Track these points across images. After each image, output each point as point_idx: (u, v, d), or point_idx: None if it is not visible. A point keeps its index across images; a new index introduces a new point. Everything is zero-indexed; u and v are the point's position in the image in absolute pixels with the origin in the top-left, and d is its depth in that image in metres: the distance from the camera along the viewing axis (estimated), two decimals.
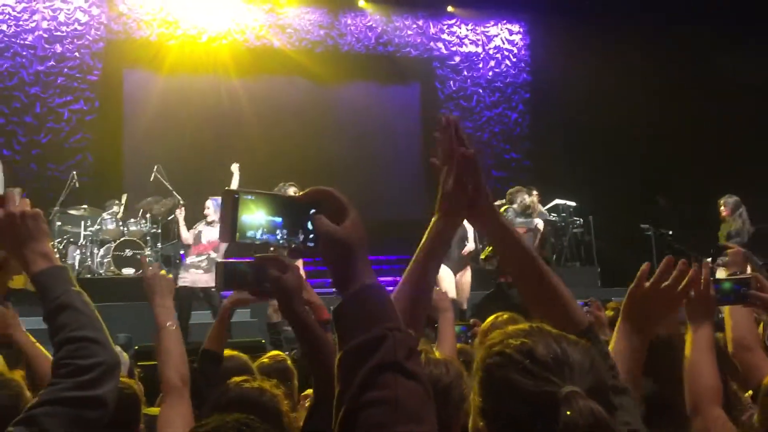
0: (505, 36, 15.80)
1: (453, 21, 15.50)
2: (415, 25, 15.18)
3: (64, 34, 13.00)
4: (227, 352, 3.06)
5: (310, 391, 3.74)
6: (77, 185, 10.85)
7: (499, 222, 1.57)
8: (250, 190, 1.22)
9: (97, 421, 1.48)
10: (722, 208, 9.87)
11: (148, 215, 10.72)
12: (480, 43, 15.62)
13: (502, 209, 9.28)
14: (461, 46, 15.50)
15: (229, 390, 2.46)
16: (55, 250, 9.60)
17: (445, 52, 15.39)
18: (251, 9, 14.01)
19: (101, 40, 13.22)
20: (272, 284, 1.75)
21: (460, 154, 1.48)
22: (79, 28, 13.09)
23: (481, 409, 1.25)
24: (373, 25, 14.88)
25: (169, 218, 10.62)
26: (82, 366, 1.49)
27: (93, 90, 13.08)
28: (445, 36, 15.43)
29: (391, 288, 1.42)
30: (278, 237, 1.21)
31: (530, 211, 10.34)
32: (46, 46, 12.87)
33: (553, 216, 12.41)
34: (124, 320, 7.70)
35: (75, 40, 13.04)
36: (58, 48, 12.93)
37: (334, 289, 1.14)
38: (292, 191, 8.45)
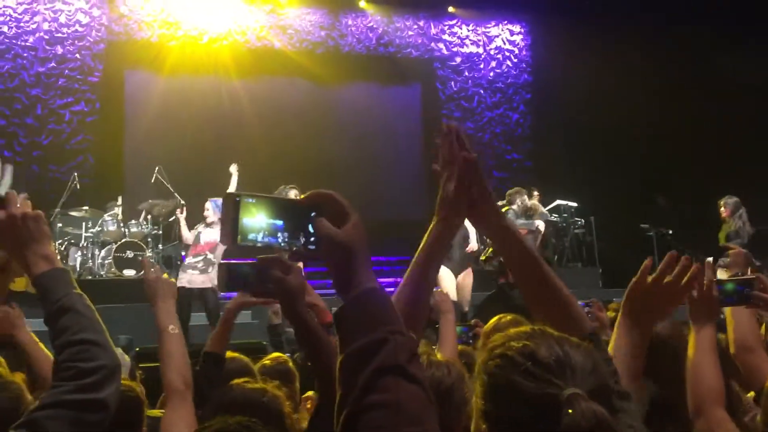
0: (506, 36, 15.80)
1: (454, 21, 15.50)
2: (416, 26, 15.18)
3: (65, 35, 13.01)
4: (228, 353, 3.06)
5: (311, 393, 3.74)
6: (78, 187, 10.86)
7: (502, 223, 1.57)
8: (251, 193, 1.22)
9: (99, 424, 1.48)
10: (722, 209, 9.87)
11: (149, 217, 10.72)
12: (481, 43, 15.62)
13: (503, 210, 9.27)
14: (462, 47, 15.50)
15: (231, 391, 2.46)
16: (56, 251, 9.61)
17: (446, 52, 15.39)
18: (252, 10, 14.02)
19: (102, 42, 13.23)
20: (275, 286, 1.75)
21: (461, 159, 1.48)
22: (80, 29, 13.10)
23: (483, 411, 1.25)
24: (374, 26, 14.88)
25: (170, 219, 10.63)
26: (83, 369, 1.49)
27: (94, 91, 13.09)
28: (446, 36, 15.42)
29: (391, 289, 1.42)
30: (279, 240, 1.21)
31: (531, 212, 10.34)
32: (47, 47, 12.88)
33: (555, 217, 12.41)
34: (126, 322, 7.69)
35: (76, 41, 13.05)
36: (59, 49, 12.94)
37: (334, 291, 1.15)
38: (293, 194, 8.44)
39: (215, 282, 8.38)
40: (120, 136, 13.15)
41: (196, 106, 13.19)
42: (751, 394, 2.63)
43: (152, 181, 10.77)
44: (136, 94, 13.32)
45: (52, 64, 12.87)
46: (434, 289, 3.03)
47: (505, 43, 15.78)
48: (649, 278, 1.66)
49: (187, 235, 8.91)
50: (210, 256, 8.48)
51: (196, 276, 8.46)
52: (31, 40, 12.81)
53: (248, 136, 13.10)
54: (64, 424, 1.43)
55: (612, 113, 12.79)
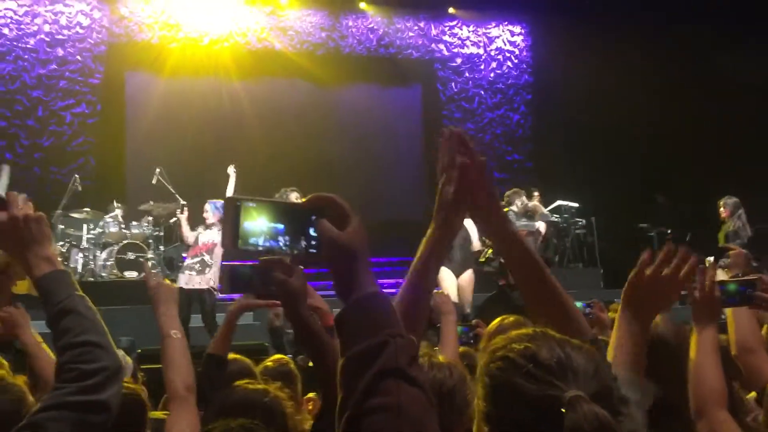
0: (506, 37, 15.80)
1: (454, 22, 15.50)
2: (416, 27, 15.18)
3: (66, 37, 13.02)
4: (230, 355, 3.06)
5: (312, 394, 3.75)
6: (79, 188, 10.86)
7: (506, 226, 1.57)
8: (252, 197, 1.22)
9: (101, 425, 1.48)
10: (722, 209, 9.89)
11: (150, 218, 10.73)
12: (481, 44, 15.62)
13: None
14: (463, 48, 15.50)
15: (233, 392, 2.46)
16: (58, 253, 9.63)
17: (446, 53, 15.39)
18: (252, 11, 14.03)
19: (103, 44, 13.25)
20: (277, 288, 1.75)
21: (460, 164, 1.48)
22: (80, 31, 13.11)
23: (485, 413, 1.25)
24: (375, 27, 14.88)
25: (172, 221, 10.63)
26: (85, 371, 1.49)
27: (95, 93, 13.11)
28: (446, 37, 15.42)
29: (392, 290, 1.43)
30: (280, 244, 1.22)
31: (532, 213, 10.34)
32: (48, 49, 12.90)
33: (556, 217, 12.40)
34: (127, 323, 7.70)
35: (77, 43, 13.06)
36: (60, 51, 12.96)
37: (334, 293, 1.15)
38: (294, 197, 8.45)
39: (212, 283, 8.39)
40: (121, 138, 13.16)
41: (196, 108, 13.20)
42: (752, 394, 2.63)
43: (153, 182, 10.78)
44: (136, 95, 13.33)
45: (53, 66, 12.89)
46: (435, 290, 3.03)
47: (505, 44, 15.78)
48: (648, 270, 1.66)
49: (189, 236, 8.91)
50: (206, 257, 8.47)
51: (193, 277, 8.47)
52: (32, 42, 12.82)
53: (249, 137, 13.11)
54: (66, 426, 1.44)
55: (612, 113, 12.79)
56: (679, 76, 13.13)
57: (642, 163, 13.66)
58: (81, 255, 10.21)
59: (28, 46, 12.79)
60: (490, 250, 8.29)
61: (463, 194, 1.50)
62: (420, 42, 15.17)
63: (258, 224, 1.21)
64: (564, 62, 13.95)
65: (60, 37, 12.99)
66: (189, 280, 8.44)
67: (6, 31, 12.72)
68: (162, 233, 10.83)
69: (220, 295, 8.69)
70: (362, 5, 14.71)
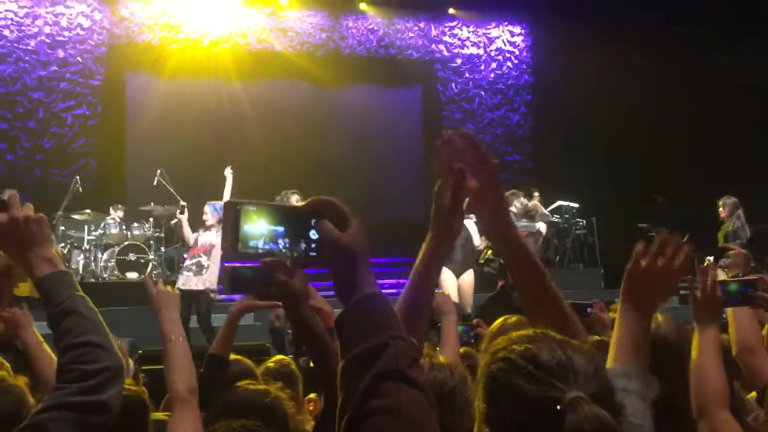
0: (506, 38, 15.80)
1: (454, 23, 15.50)
2: (416, 28, 15.18)
3: (67, 39, 13.03)
4: (231, 356, 3.06)
5: (313, 395, 3.75)
6: (80, 190, 10.87)
7: (510, 230, 1.58)
8: (251, 200, 1.23)
9: (102, 425, 1.49)
10: (721, 209, 9.89)
11: (151, 219, 10.74)
12: (481, 45, 15.62)
13: None
14: (463, 48, 15.50)
15: (234, 393, 2.46)
16: (59, 254, 9.62)
17: (446, 54, 15.39)
18: (253, 12, 14.03)
19: (103, 45, 13.25)
20: (278, 289, 1.75)
21: (458, 170, 1.48)
22: (81, 32, 13.12)
23: (485, 414, 1.25)
24: (375, 28, 14.88)
25: (172, 222, 10.64)
26: (86, 371, 1.50)
27: (95, 95, 13.11)
28: (446, 38, 15.42)
29: (393, 291, 1.43)
30: (280, 246, 1.22)
31: (532, 213, 10.33)
32: (49, 51, 12.90)
33: (556, 218, 12.41)
34: (128, 324, 7.68)
35: (77, 44, 13.07)
36: (61, 53, 12.96)
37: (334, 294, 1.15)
38: (294, 199, 8.45)
39: (208, 285, 8.39)
40: (121, 139, 13.16)
41: (197, 109, 13.20)
42: (753, 394, 2.63)
43: (154, 183, 10.79)
44: (137, 97, 13.34)
45: (54, 67, 12.89)
46: (435, 291, 3.03)
47: (505, 45, 15.78)
48: (644, 262, 1.66)
49: (189, 237, 8.92)
50: (203, 259, 8.46)
51: (191, 278, 8.48)
52: (32, 43, 12.83)
53: (249, 138, 13.11)
54: (67, 427, 1.44)
55: (612, 114, 12.79)
56: (679, 77, 13.13)
57: (642, 164, 13.66)
58: (82, 256, 10.22)
59: (29, 47, 12.80)
60: (490, 251, 8.29)
61: (461, 200, 1.50)
62: (420, 43, 15.18)
63: (258, 227, 1.21)
64: (564, 63, 13.95)
65: (60, 38, 13.00)
66: (186, 281, 8.45)
67: (7, 32, 12.73)
68: (163, 234, 10.84)
69: (221, 296, 8.70)
70: (362, 6, 14.72)
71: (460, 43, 15.50)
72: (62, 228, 10.34)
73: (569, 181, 13.25)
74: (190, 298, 8.33)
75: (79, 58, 13.03)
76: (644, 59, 13.26)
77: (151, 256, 10.21)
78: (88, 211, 10.66)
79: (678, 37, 12.82)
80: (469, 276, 8.38)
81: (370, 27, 14.87)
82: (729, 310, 2.62)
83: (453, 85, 15.36)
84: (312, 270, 1.29)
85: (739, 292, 2.44)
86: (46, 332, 1.75)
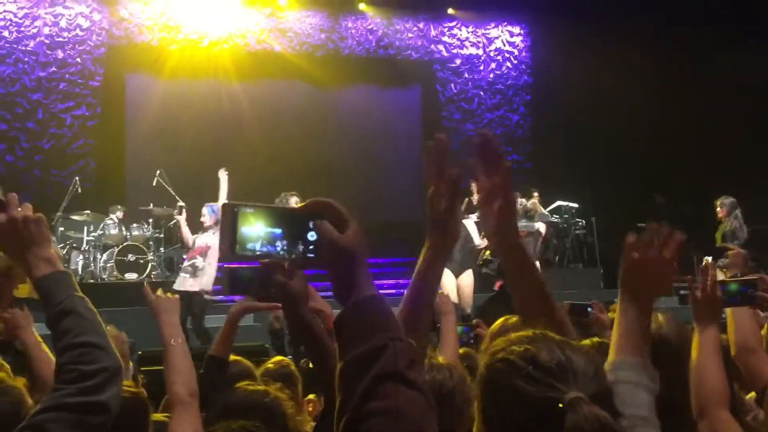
0: (505, 38, 15.80)
1: (453, 23, 15.50)
2: (415, 28, 15.18)
3: (66, 39, 13.03)
4: (230, 357, 3.06)
5: (312, 396, 3.74)
6: (80, 191, 10.87)
7: (513, 235, 1.58)
8: (249, 203, 1.23)
9: (101, 426, 1.48)
10: (718, 209, 9.90)
11: (150, 220, 10.74)
12: (481, 45, 15.62)
13: None
14: (462, 49, 15.50)
15: (234, 394, 2.46)
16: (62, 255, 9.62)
17: (445, 54, 15.39)
18: (252, 13, 14.03)
19: (103, 46, 13.26)
20: (278, 290, 1.75)
21: (449, 176, 1.47)
22: (80, 33, 13.12)
23: (485, 415, 1.25)
24: (374, 28, 14.88)
25: (171, 223, 10.64)
26: (85, 372, 1.49)
27: (95, 95, 13.11)
28: (445, 38, 15.43)
29: (392, 291, 1.43)
30: (278, 248, 1.22)
31: (531, 213, 10.33)
32: (48, 52, 12.90)
33: (555, 218, 12.41)
34: (128, 325, 7.63)
35: (77, 45, 13.07)
36: (60, 54, 12.96)
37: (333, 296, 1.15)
38: (293, 201, 8.45)
39: (202, 286, 8.38)
40: (121, 140, 13.17)
41: (196, 110, 13.20)
42: (752, 394, 2.63)
43: (153, 184, 10.78)
44: (136, 97, 13.34)
45: (53, 68, 12.90)
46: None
47: (504, 45, 15.78)
48: (636, 254, 1.66)
49: (188, 238, 8.93)
50: (198, 260, 8.45)
51: (186, 279, 8.48)
52: (31, 44, 12.82)
53: (248, 138, 13.12)
54: (66, 427, 1.44)
55: (612, 114, 12.79)
56: (679, 77, 13.13)
57: (642, 164, 13.66)
58: (81, 257, 10.22)
59: (28, 48, 12.80)
60: (488, 252, 8.28)
61: (457, 206, 1.49)
62: (419, 43, 15.18)
63: (255, 229, 1.21)
64: (563, 63, 13.95)
65: (60, 39, 13.00)
66: (182, 282, 8.46)
67: (6, 33, 12.73)
68: (162, 235, 10.83)
69: (221, 296, 8.69)
70: (361, 6, 14.72)
71: (459, 43, 15.50)
72: (61, 229, 10.34)
73: (569, 181, 13.25)
74: (185, 299, 8.33)
75: (78, 59, 13.03)
76: (644, 59, 13.27)
77: (151, 257, 10.21)
78: (87, 211, 10.66)
79: (678, 37, 12.83)
80: (468, 276, 8.38)
81: (370, 27, 14.87)
82: (728, 311, 2.62)
83: (452, 85, 15.36)
84: (312, 270, 1.29)
85: (739, 292, 2.44)
86: (45, 333, 1.75)
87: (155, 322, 2.54)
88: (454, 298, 7.52)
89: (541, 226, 10.39)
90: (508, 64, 15.74)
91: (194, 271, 8.41)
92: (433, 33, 15.33)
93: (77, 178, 11.09)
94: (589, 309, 3.57)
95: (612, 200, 13.04)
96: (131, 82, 13.47)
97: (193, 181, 11.37)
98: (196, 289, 8.35)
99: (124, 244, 10.16)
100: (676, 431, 2.12)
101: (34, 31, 12.87)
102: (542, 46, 15.44)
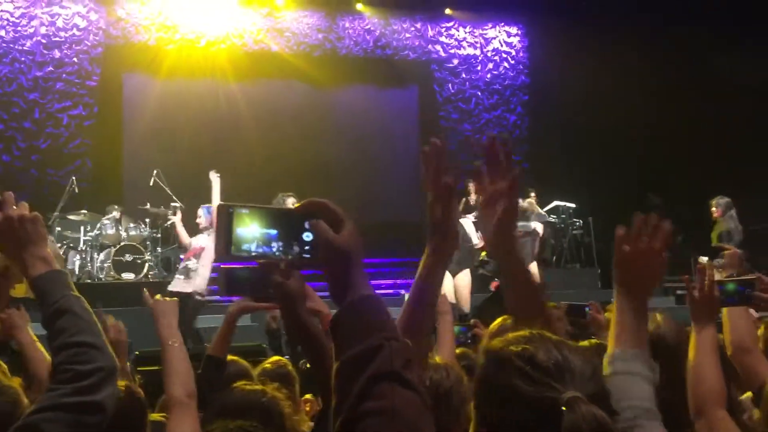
0: (503, 38, 15.81)
1: (451, 24, 15.50)
2: (413, 28, 15.18)
3: (63, 39, 13.01)
4: (227, 357, 3.06)
5: (309, 396, 3.74)
6: (77, 190, 10.85)
7: (511, 242, 1.59)
8: (244, 204, 1.23)
9: (96, 426, 1.48)
10: (714, 209, 9.92)
11: (147, 220, 10.73)
12: (478, 45, 15.63)
13: None
14: (459, 49, 15.51)
15: (231, 393, 2.46)
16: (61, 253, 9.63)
17: (443, 54, 15.39)
18: (249, 13, 14.02)
19: (100, 45, 13.24)
20: (275, 290, 1.75)
21: (443, 183, 1.47)
22: (77, 33, 13.10)
23: (482, 415, 1.25)
24: (371, 29, 14.88)
25: (168, 223, 10.62)
26: (81, 371, 1.49)
27: (92, 95, 13.09)
28: (443, 39, 15.43)
29: (389, 291, 1.43)
30: (274, 249, 1.22)
31: (528, 214, 10.33)
32: (45, 51, 12.88)
33: (553, 218, 12.42)
34: (125, 325, 7.66)
35: (73, 45, 13.05)
36: (57, 53, 12.94)
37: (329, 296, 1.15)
38: (290, 202, 8.43)
39: (195, 288, 8.36)
40: (118, 140, 13.15)
41: (193, 110, 13.19)
42: (748, 394, 2.63)
43: (151, 184, 10.77)
44: (133, 97, 13.33)
45: (50, 68, 12.87)
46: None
47: (502, 45, 15.79)
48: (626, 247, 1.66)
49: (185, 239, 8.92)
50: (191, 262, 8.43)
51: (181, 281, 8.47)
52: (28, 44, 12.80)
53: (245, 138, 13.11)
54: (61, 427, 1.44)
55: (609, 114, 12.81)
56: (676, 78, 13.15)
57: (639, 165, 13.67)
58: (78, 257, 10.20)
59: (25, 48, 12.78)
60: (485, 253, 8.28)
61: (452, 214, 1.49)
62: (417, 43, 15.18)
63: (251, 230, 1.21)
64: (561, 63, 13.96)
65: (57, 39, 12.97)
66: (176, 284, 8.45)
67: (2, 33, 12.71)
68: (159, 235, 10.82)
69: (217, 297, 8.68)
70: (359, 6, 14.71)
71: (456, 43, 15.51)
72: (58, 229, 10.32)
73: (566, 181, 13.26)
74: (181, 301, 8.30)
75: (75, 59, 13.01)
76: (641, 60, 13.28)
77: (148, 257, 10.19)
78: (84, 211, 10.64)
79: (675, 38, 12.84)
80: (465, 276, 8.37)
81: (367, 27, 14.86)
82: (724, 311, 2.62)
83: (450, 85, 15.36)
84: (309, 271, 1.29)
85: (736, 291, 2.44)
86: (42, 333, 1.75)
87: (152, 323, 2.55)
88: (451, 298, 7.53)
89: (538, 226, 10.40)
90: (506, 64, 15.75)
91: (187, 273, 8.40)
92: (430, 33, 15.33)
93: (74, 177, 11.07)
94: (587, 309, 3.58)
95: (609, 200, 13.04)
96: (128, 81, 13.45)
97: (190, 180, 11.35)
98: (188, 290, 8.33)
99: (121, 244, 10.14)
100: (673, 430, 2.12)
101: (31, 30, 12.85)
102: (539, 47, 15.44)
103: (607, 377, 1.50)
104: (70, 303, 1.59)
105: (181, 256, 9.29)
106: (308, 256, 1.21)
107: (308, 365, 2.78)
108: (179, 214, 9.22)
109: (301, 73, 14.04)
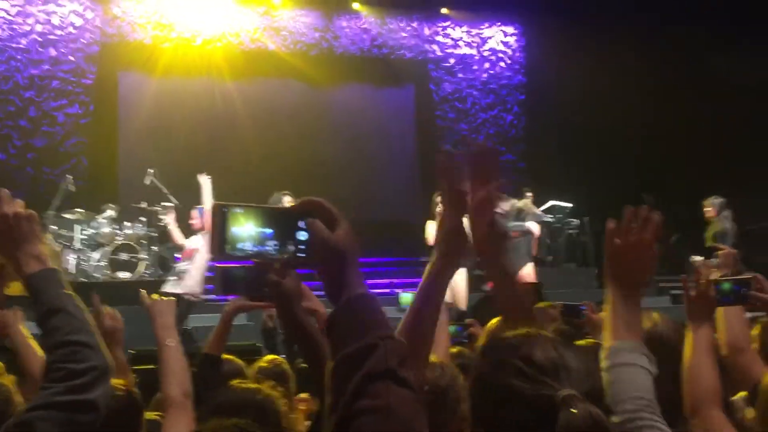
0: (499, 38, 15.82)
1: (447, 23, 15.51)
2: (409, 27, 15.18)
3: (59, 37, 12.98)
4: (222, 356, 3.06)
5: (304, 394, 3.74)
6: (72, 189, 10.82)
7: (499, 254, 1.65)
8: (239, 203, 1.22)
9: (90, 424, 1.48)
10: (708, 209, 9.95)
11: (143, 219, 10.70)
12: (475, 45, 15.63)
13: None
14: (456, 48, 15.51)
15: (226, 391, 2.46)
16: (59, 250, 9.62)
17: (439, 54, 15.40)
18: (246, 12, 14.01)
19: (95, 44, 13.21)
20: (271, 289, 1.74)
21: (459, 194, 1.50)
22: (73, 31, 13.07)
23: (478, 413, 1.25)
24: (368, 28, 14.88)
25: (163, 222, 10.60)
26: (74, 370, 1.49)
27: (87, 93, 13.07)
28: (439, 38, 15.43)
29: (386, 290, 1.43)
30: (269, 248, 1.22)
31: (523, 214, 10.33)
32: (41, 49, 12.85)
33: (549, 217, 12.42)
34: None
35: (69, 43, 13.02)
36: (53, 51, 12.91)
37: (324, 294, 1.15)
38: (287, 200, 8.42)
39: (187, 289, 8.35)
40: (114, 138, 13.12)
41: (189, 108, 13.17)
42: (742, 393, 2.63)
43: (146, 183, 10.75)
44: (129, 96, 13.30)
45: (46, 66, 12.84)
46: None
47: (498, 45, 15.79)
48: (617, 240, 1.66)
49: (179, 238, 8.90)
50: (183, 264, 8.43)
51: (172, 282, 8.46)
52: (24, 42, 12.77)
53: (241, 137, 13.10)
54: (54, 426, 1.43)
55: (606, 114, 12.82)
56: (673, 78, 13.17)
57: (636, 164, 13.69)
58: (74, 256, 10.17)
59: (21, 46, 12.75)
60: None
61: (461, 225, 1.51)
62: (413, 42, 15.18)
63: (246, 229, 1.21)
64: (557, 63, 13.97)
65: (52, 37, 12.94)
66: (168, 285, 8.44)
67: None
68: (155, 234, 10.79)
69: (213, 296, 8.66)
70: (355, 6, 14.71)
71: (453, 43, 15.51)
72: (54, 227, 10.28)
73: (562, 181, 13.26)
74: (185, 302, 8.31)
75: (71, 57, 12.99)
76: (638, 60, 13.30)
77: (144, 255, 10.17)
78: (79, 210, 10.61)
79: (672, 38, 12.86)
80: (463, 275, 8.37)
81: (363, 26, 14.86)
82: (719, 310, 2.62)
83: (446, 84, 15.36)
84: (306, 270, 1.29)
85: (732, 291, 2.44)
86: (37, 332, 1.74)
87: (147, 322, 2.55)
88: (448, 297, 7.52)
89: (533, 226, 10.39)
90: (502, 63, 15.76)
91: (179, 274, 8.40)
92: (426, 32, 15.34)
93: (70, 176, 11.02)
94: (582, 309, 3.58)
95: (606, 200, 13.01)
96: (124, 80, 13.42)
97: (186, 179, 11.31)
98: (180, 291, 8.32)
99: (117, 242, 10.12)
100: (670, 426, 2.12)
101: (27, 28, 12.82)
102: (536, 46, 15.45)
103: (607, 370, 1.50)
104: (63, 302, 1.58)
105: (177, 256, 9.28)
106: (303, 255, 1.21)
107: (304, 364, 2.78)
108: (172, 214, 9.20)
109: (298, 72, 14.03)
